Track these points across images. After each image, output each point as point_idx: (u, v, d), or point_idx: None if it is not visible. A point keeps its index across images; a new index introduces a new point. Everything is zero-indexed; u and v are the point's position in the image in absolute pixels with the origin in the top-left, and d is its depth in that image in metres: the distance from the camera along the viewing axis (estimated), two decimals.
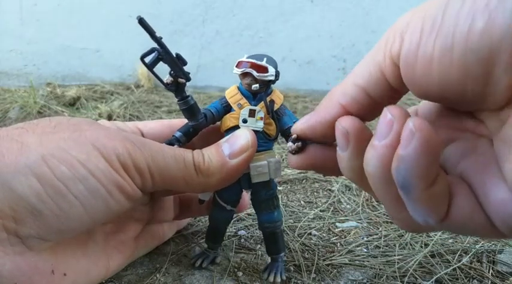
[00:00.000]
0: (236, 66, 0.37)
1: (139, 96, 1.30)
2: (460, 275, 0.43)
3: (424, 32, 0.22)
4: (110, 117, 1.06)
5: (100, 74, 1.52)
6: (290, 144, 0.32)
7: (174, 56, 0.32)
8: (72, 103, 1.21)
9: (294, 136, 0.32)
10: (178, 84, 0.33)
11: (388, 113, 0.23)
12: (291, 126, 0.38)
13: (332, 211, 0.59)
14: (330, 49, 1.55)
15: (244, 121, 0.37)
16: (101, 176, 0.30)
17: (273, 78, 0.37)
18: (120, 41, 1.52)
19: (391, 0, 1.50)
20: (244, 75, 0.37)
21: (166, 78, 0.33)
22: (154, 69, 0.32)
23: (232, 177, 0.36)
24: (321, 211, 0.59)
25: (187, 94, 0.34)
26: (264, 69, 0.36)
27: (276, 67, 0.37)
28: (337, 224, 0.55)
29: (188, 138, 0.38)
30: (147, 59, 0.31)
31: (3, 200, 0.27)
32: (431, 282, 0.42)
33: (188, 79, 0.34)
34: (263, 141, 0.38)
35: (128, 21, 1.50)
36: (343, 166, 0.28)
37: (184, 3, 1.51)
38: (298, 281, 0.41)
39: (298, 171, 0.72)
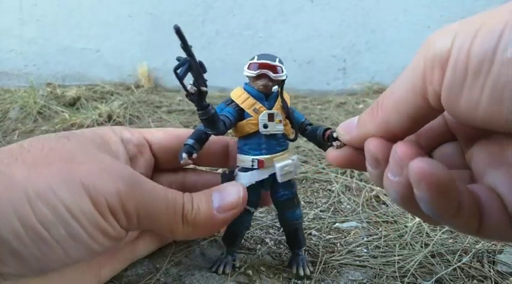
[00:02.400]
0: (248, 68, 0.37)
1: (139, 96, 1.30)
2: (460, 275, 0.43)
3: (469, 71, 0.20)
4: (109, 117, 1.06)
5: (100, 74, 1.52)
6: (337, 142, 0.34)
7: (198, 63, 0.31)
8: (72, 104, 1.21)
9: (335, 134, 0.34)
10: (200, 93, 0.32)
11: (396, 153, 0.24)
12: (303, 121, 0.40)
13: (332, 211, 0.59)
14: (330, 49, 1.55)
15: (265, 126, 0.37)
16: (84, 221, 0.29)
17: (285, 77, 0.37)
18: (120, 41, 1.52)
19: (391, 0, 1.50)
20: (259, 76, 0.37)
21: (189, 87, 0.31)
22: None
23: (215, 230, 0.37)
24: (321, 211, 0.59)
25: (207, 103, 0.33)
26: (279, 69, 0.37)
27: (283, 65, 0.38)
28: (337, 224, 0.55)
29: (201, 145, 0.37)
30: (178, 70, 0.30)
31: None
32: (432, 282, 0.42)
33: (206, 85, 0.32)
34: (282, 141, 0.39)
35: (128, 21, 1.50)
36: (373, 180, 0.29)
37: (184, 3, 1.51)
38: (298, 281, 0.41)
39: (299, 171, 0.72)
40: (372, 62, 1.54)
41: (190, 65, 0.30)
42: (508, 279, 0.43)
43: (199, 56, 0.30)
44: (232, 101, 0.38)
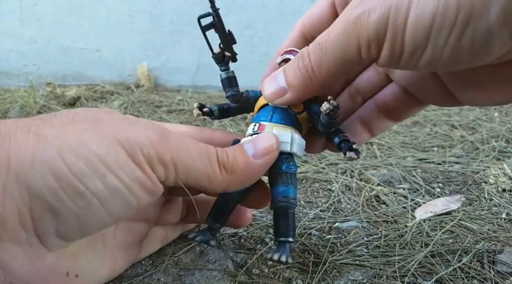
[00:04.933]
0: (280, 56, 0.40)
1: (140, 96, 1.30)
2: (460, 275, 0.43)
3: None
4: None
5: (100, 74, 1.52)
6: (327, 105, 0.33)
7: (227, 30, 0.35)
8: (72, 103, 1.21)
9: (331, 99, 0.34)
10: (224, 57, 0.36)
11: None
12: (321, 112, 0.38)
13: (332, 211, 0.59)
14: None
15: None
16: (120, 173, 0.28)
17: None
18: (120, 41, 1.52)
19: None
20: (286, 61, 0.39)
21: (216, 48, 0.35)
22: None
23: (254, 177, 0.36)
24: (321, 211, 0.59)
25: (228, 66, 0.38)
26: None
27: None
28: (337, 224, 0.55)
29: (221, 114, 0.41)
30: (202, 22, 0.33)
31: (21, 199, 0.26)
32: (432, 282, 0.42)
33: (235, 59, 0.37)
34: (292, 116, 0.39)
35: (128, 21, 1.50)
36: None
37: (184, 3, 1.51)
38: (299, 281, 0.41)
39: (298, 171, 0.72)
40: None
41: (214, 22, 0.33)
42: (508, 279, 0.43)
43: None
44: None
